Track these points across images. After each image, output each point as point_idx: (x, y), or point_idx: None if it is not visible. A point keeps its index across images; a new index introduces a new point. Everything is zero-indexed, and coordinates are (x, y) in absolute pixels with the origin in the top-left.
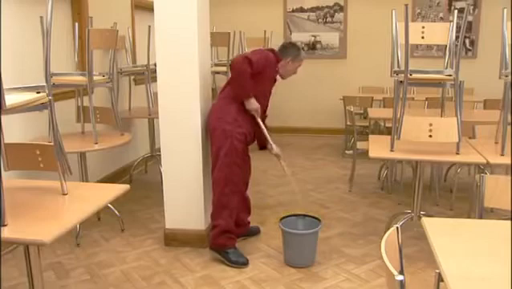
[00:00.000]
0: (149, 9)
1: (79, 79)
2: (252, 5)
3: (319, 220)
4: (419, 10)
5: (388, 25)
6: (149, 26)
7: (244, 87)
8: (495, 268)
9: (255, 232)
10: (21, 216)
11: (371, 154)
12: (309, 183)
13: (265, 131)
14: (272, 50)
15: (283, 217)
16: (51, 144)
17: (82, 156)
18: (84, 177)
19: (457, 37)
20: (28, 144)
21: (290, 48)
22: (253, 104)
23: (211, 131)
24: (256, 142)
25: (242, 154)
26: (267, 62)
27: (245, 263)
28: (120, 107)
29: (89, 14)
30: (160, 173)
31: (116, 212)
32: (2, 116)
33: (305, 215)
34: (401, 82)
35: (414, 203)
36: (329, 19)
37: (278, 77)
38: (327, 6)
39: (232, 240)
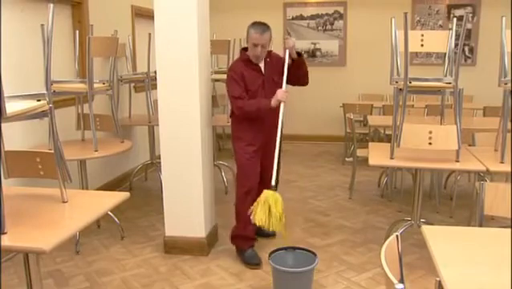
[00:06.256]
0: (149, 17)
1: (80, 86)
2: (252, 12)
3: (315, 254)
4: (418, 18)
5: (388, 33)
6: (149, 34)
7: (259, 110)
8: (495, 276)
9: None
10: (21, 224)
11: (371, 162)
12: (309, 190)
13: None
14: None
15: (273, 252)
16: (51, 151)
17: (82, 163)
18: (84, 185)
19: (456, 44)
20: (28, 151)
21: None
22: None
23: None
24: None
25: None
26: (238, 74)
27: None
28: (120, 114)
29: (90, 22)
30: (160, 181)
31: (116, 219)
32: (3, 124)
33: (296, 248)
34: (401, 89)
35: (414, 211)
36: (329, 27)
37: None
38: (327, 14)
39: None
